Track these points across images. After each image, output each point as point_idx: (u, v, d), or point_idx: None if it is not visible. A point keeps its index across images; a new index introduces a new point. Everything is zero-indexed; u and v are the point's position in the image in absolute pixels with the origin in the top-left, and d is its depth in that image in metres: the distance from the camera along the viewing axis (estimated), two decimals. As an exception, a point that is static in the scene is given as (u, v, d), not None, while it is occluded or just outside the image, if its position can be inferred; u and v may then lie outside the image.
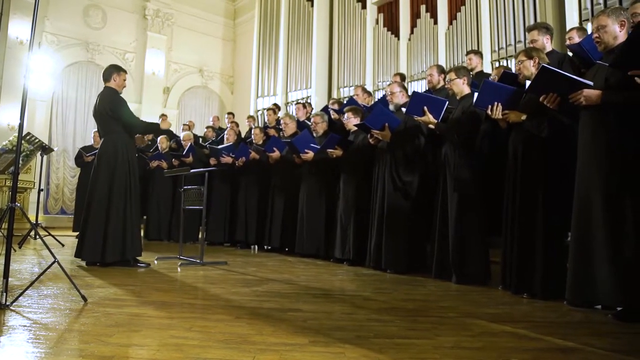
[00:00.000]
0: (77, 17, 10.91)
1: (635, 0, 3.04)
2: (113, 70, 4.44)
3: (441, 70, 4.86)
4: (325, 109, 6.23)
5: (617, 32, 2.68)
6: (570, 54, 3.77)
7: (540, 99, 2.89)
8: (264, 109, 10.26)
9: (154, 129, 4.93)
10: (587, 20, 5.70)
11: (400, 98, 4.58)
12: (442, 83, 4.70)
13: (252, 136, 6.82)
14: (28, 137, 5.90)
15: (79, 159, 7.90)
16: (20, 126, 2.78)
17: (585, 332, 2.26)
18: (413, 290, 3.44)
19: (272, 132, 6.81)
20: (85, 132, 10.46)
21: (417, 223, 4.26)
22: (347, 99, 7.87)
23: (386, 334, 2.14)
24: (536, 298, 3.07)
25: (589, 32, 2.97)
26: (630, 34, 2.38)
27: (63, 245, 6.02)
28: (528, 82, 3.20)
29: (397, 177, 4.32)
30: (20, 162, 4.89)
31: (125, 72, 4.52)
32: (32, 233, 6.20)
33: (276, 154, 5.92)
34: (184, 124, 8.72)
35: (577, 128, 2.86)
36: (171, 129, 9.43)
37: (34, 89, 9.68)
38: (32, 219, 6.78)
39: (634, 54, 2.29)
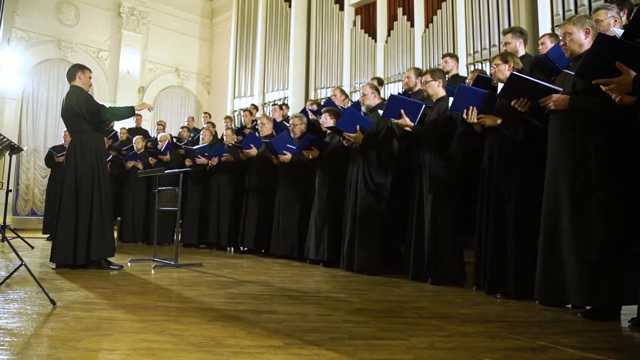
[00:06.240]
0: (49, 13, 10.63)
1: (597, 7, 3.12)
2: (77, 69, 4.33)
3: (419, 73, 4.93)
4: (305, 111, 6.22)
5: (582, 40, 2.77)
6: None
7: (512, 103, 2.96)
8: (241, 109, 10.19)
9: (129, 112, 4.50)
10: (559, 26, 5.82)
11: (372, 100, 4.61)
12: (419, 86, 4.81)
13: (225, 137, 6.76)
14: (-4, 136, 5.72)
15: (49, 159, 7.70)
16: (-13, 125, 2.70)
17: (556, 331, 2.31)
18: (388, 291, 3.46)
19: (248, 132, 6.76)
20: (56, 131, 10.18)
21: (391, 225, 4.28)
22: (324, 100, 7.88)
23: (361, 335, 2.15)
24: (509, 298, 3.12)
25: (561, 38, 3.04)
26: (591, 46, 2.45)
27: (32, 248, 5.85)
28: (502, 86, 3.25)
29: (370, 179, 4.33)
30: (-13, 161, 4.74)
31: (89, 70, 4.41)
32: (-1, 235, 6.00)
33: (252, 150, 5.88)
34: (158, 125, 8.59)
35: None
36: (145, 128, 9.35)
37: (3, 86, 9.43)
38: (0, 220, 6.59)
39: (594, 66, 2.36)
